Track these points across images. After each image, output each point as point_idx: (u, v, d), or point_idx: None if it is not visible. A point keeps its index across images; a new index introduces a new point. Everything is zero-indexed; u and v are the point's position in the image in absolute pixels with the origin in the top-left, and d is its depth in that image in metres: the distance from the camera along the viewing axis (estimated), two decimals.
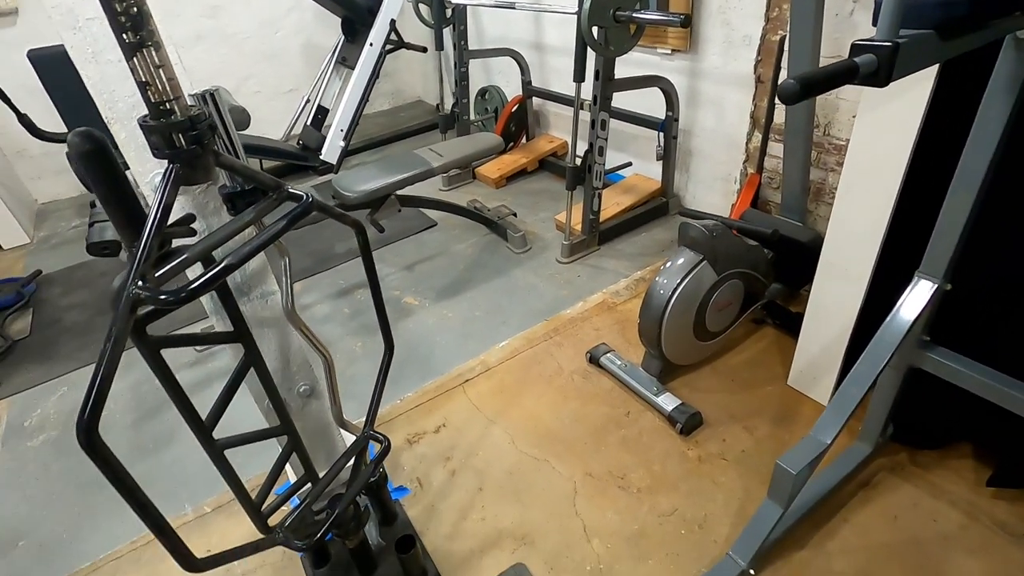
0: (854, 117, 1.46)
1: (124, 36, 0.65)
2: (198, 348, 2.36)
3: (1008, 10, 0.85)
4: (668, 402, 1.83)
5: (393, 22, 2.94)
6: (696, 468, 1.68)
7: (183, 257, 0.76)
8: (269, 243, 0.80)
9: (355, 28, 3.19)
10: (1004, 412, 1.27)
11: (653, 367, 1.95)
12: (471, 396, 2.01)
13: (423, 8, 3.71)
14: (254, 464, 1.62)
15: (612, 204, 2.97)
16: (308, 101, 3.47)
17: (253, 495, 1.07)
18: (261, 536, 1.06)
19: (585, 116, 2.50)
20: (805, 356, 1.85)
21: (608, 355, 2.05)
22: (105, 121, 0.90)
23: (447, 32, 3.57)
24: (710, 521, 1.53)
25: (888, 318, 1.30)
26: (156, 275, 0.73)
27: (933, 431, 1.63)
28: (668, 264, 1.84)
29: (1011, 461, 1.50)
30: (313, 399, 1.29)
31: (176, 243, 0.85)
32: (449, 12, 3.45)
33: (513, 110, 3.72)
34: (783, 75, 2.24)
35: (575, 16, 2.16)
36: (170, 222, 0.78)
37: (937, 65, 1.27)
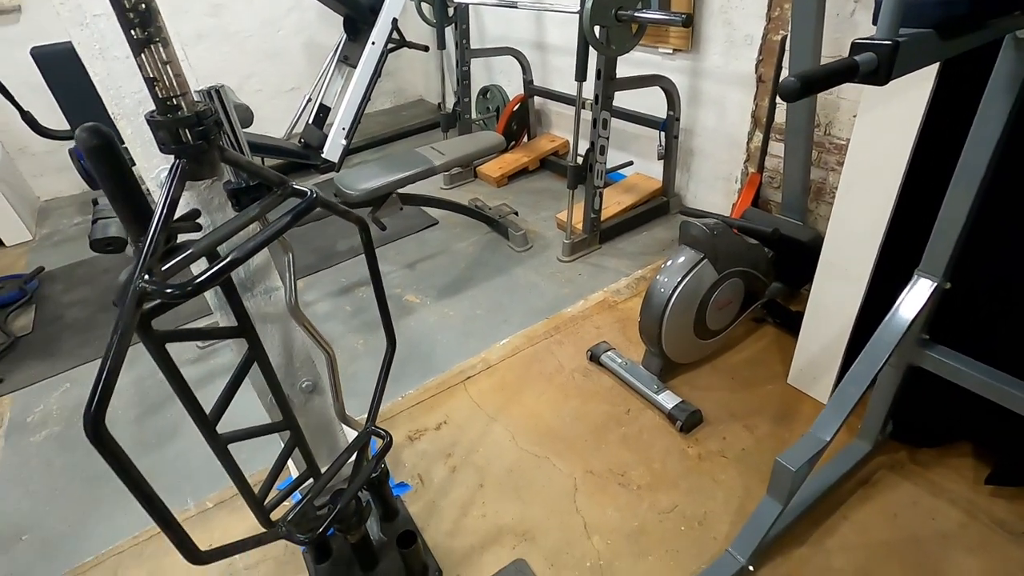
0: (855, 117, 1.47)
1: (132, 32, 0.65)
2: (200, 345, 2.37)
3: (1007, 9, 0.86)
4: (668, 400, 1.84)
5: (395, 21, 2.95)
6: (696, 466, 1.69)
7: (189, 251, 0.76)
8: (274, 238, 0.80)
9: (357, 27, 3.19)
10: (1003, 410, 1.27)
11: (653, 365, 1.96)
12: (472, 393, 2.02)
13: (425, 7, 3.72)
14: (256, 460, 1.62)
15: (613, 203, 2.98)
16: (310, 100, 3.47)
17: (255, 490, 1.08)
18: (264, 530, 1.07)
19: (587, 115, 2.51)
20: (805, 355, 1.86)
21: (609, 353, 2.06)
22: (112, 117, 0.90)
23: (449, 31, 3.58)
24: (710, 518, 1.54)
25: (887, 316, 1.31)
26: (162, 269, 0.74)
27: (932, 429, 1.63)
28: (669, 262, 1.84)
29: (1010, 459, 1.50)
30: (316, 395, 1.30)
31: (180, 239, 0.86)
32: (451, 11, 3.46)
33: (515, 109, 3.73)
34: (784, 75, 2.25)
35: (577, 15, 2.17)
36: (176, 217, 0.79)
37: (937, 65, 1.28)
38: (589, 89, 2.43)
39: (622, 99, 2.74)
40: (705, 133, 2.83)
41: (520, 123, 3.84)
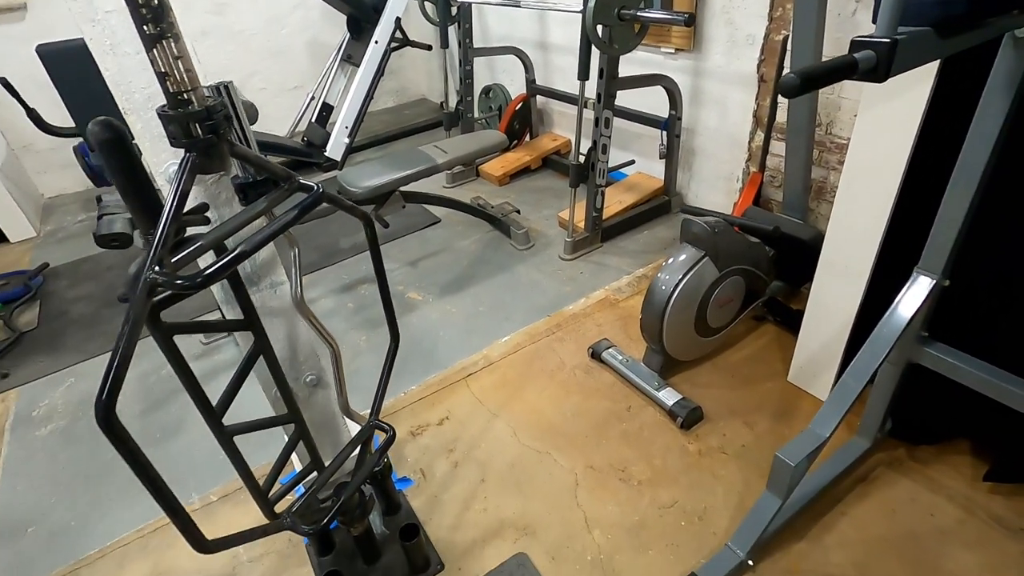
0: (856, 116, 1.48)
1: (145, 28, 0.67)
2: (204, 340, 2.38)
3: (1006, 9, 0.87)
4: (669, 397, 1.85)
5: (398, 20, 2.96)
6: (696, 462, 1.70)
7: (199, 244, 0.78)
8: (282, 231, 0.82)
9: (360, 26, 3.21)
10: (1002, 407, 1.28)
11: (654, 362, 1.97)
12: (474, 390, 2.03)
13: (428, 6, 3.73)
14: (259, 456, 1.64)
15: (615, 202, 2.99)
16: (313, 98, 3.49)
17: (260, 483, 1.09)
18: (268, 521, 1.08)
19: (589, 114, 2.52)
20: (805, 353, 1.87)
21: (610, 350, 2.07)
22: (122, 112, 0.92)
23: (452, 30, 3.59)
24: (710, 513, 1.55)
25: (887, 313, 1.32)
26: (172, 261, 0.75)
27: (931, 427, 1.64)
28: (670, 260, 1.85)
29: (1008, 456, 1.52)
30: (320, 389, 1.31)
31: (188, 234, 0.88)
32: (454, 10, 3.47)
33: (517, 108, 3.74)
34: None
35: (580, 15, 2.18)
36: (185, 211, 0.80)
37: (937, 64, 1.29)
38: (591, 88, 2.44)
39: (624, 98, 2.75)
40: (707, 132, 2.84)
41: (522, 122, 3.85)
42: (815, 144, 2.19)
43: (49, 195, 4.06)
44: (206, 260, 0.88)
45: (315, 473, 1.25)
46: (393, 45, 3.03)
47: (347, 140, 3.02)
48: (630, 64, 2.75)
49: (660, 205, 3.03)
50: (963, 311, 1.43)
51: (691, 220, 1.84)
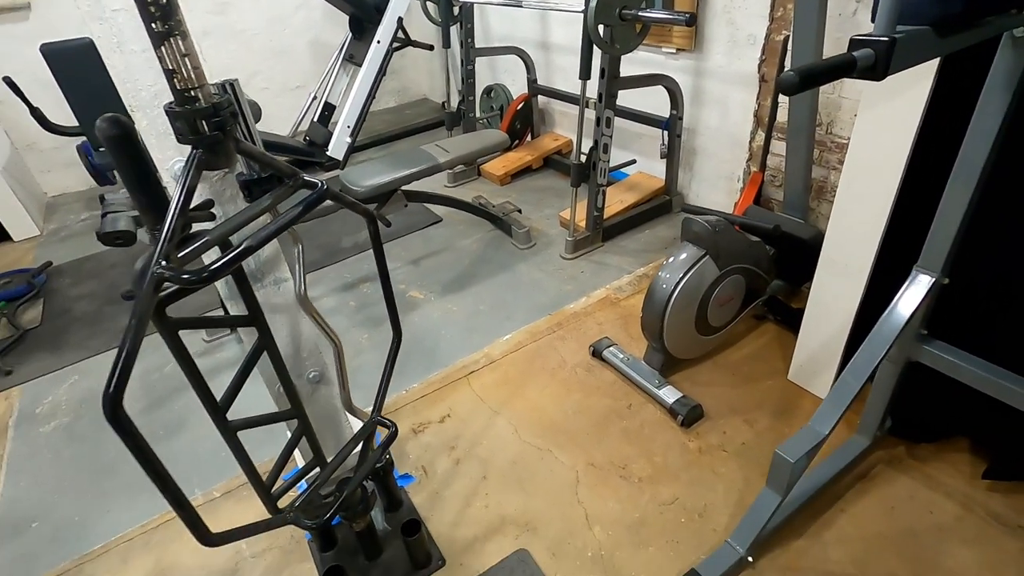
0: (856, 116, 1.49)
1: (153, 25, 0.68)
2: (206, 339, 2.39)
3: (1003, 8, 0.88)
4: (670, 395, 1.86)
5: (400, 20, 2.97)
6: (697, 459, 1.71)
7: (205, 239, 0.79)
8: (287, 227, 0.83)
9: (362, 26, 3.22)
10: (1001, 405, 1.29)
11: (655, 360, 1.98)
12: (475, 388, 2.04)
13: (430, 6, 3.74)
14: (261, 453, 1.64)
15: (616, 201, 3.00)
16: (315, 98, 3.50)
17: (263, 478, 1.10)
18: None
19: (590, 114, 2.53)
20: (805, 351, 1.87)
21: (611, 349, 2.08)
22: (128, 110, 0.93)
23: (454, 30, 3.61)
24: (710, 510, 1.56)
25: (886, 311, 1.32)
26: (179, 256, 0.76)
27: (931, 425, 1.65)
28: (671, 259, 1.86)
29: (1007, 454, 1.52)
30: (322, 385, 1.32)
31: (193, 230, 0.89)
32: (456, 10, 3.48)
33: (518, 108, 3.75)
34: None
35: (581, 15, 2.19)
36: (191, 206, 0.81)
37: (937, 63, 1.30)
38: (593, 88, 2.45)
39: (625, 98, 2.76)
40: (708, 132, 2.85)
41: (524, 122, 3.86)
42: (816, 144, 2.20)
43: (52, 194, 4.07)
44: (210, 257, 0.89)
45: (317, 469, 1.26)
46: (395, 45, 3.04)
47: (349, 139, 3.03)
48: (631, 64, 2.76)
49: (661, 205, 3.04)
50: (962, 309, 1.44)
51: (692, 219, 1.85)
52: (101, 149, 2.50)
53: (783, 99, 2.31)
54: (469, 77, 3.62)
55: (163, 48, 0.70)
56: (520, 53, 3.59)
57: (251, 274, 1.11)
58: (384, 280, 1.23)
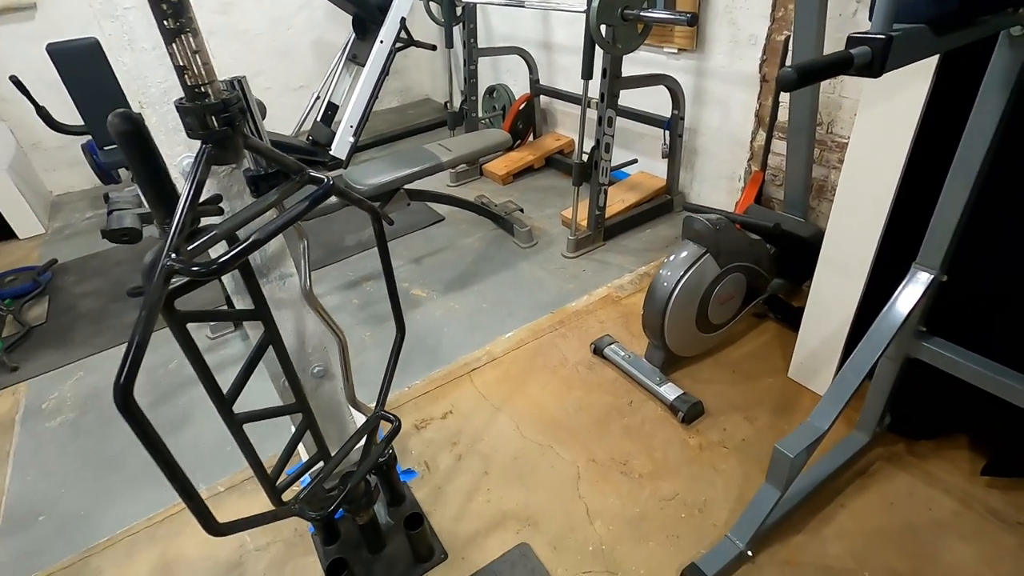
0: (856, 115, 1.50)
1: (165, 22, 0.69)
2: (211, 335, 2.41)
3: (999, 7, 0.89)
4: (670, 392, 1.87)
5: (403, 20, 2.99)
6: (697, 455, 1.72)
7: (213, 233, 0.80)
8: (294, 221, 0.84)
9: (366, 26, 3.24)
10: (999, 402, 1.30)
11: (656, 358, 1.99)
12: (477, 385, 2.05)
13: (433, 6, 3.76)
14: (265, 448, 1.65)
15: (617, 201, 3.01)
16: (318, 97, 3.51)
17: (268, 472, 1.11)
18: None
19: (592, 114, 2.54)
20: (805, 349, 1.89)
21: (612, 346, 2.09)
22: (137, 107, 0.94)
23: (456, 30, 3.62)
24: (710, 506, 1.57)
25: (885, 308, 1.34)
26: (188, 249, 0.78)
27: (930, 421, 1.66)
28: (672, 257, 1.87)
29: (1005, 450, 1.53)
30: (327, 380, 1.33)
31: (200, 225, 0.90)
32: (459, 10, 3.49)
33: (521, 108, 3.77)
34: None
35: (583, 15, 2.20)
36: (200, 201, 0.83)
37: (935, 62, 1.31)
38: (595, 88, 2.46)
39: (627, 98, 2.77)
40: (709, 132, 2.86)
41: (526, 122, 3.88)
42: (816, 143, 2.21)
43: (57, 192, 4.10)
44: (217, 251, 0.91)
45: (321, 463, 1.28)
46: (398, 45, 3.05)
47: (352, 139, 3.05)
48: (633, 64, 2.77)
49: (662, 204, 3.05)
50: (961, 306, 1.45)
51: (693, 217, 1.86)
52: (106, 148, 2.52)
53: (784, 99, 2.32)
54: (471, 77, 3.63)
55: (174, 45, 0.71)
56: (522, 53, 3.61)
57: (257, 269, 1.12)
58: (388, 276, 1.25)
